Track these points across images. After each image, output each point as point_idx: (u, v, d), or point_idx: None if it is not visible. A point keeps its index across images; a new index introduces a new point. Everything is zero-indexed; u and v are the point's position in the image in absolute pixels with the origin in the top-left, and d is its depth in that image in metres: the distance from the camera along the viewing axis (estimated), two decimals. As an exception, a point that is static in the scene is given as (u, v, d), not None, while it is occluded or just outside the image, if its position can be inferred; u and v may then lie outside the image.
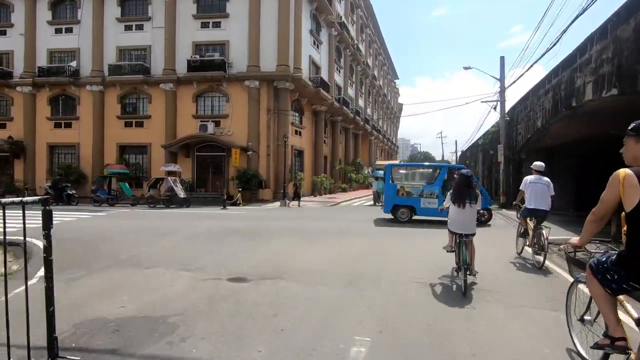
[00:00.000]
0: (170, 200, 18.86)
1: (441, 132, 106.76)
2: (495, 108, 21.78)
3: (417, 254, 7.65)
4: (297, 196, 20.40)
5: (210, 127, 23.04)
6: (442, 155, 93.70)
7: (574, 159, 19.34)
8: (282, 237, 9.26)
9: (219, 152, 23.61)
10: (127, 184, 22.18)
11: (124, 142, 25.06)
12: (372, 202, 22.25)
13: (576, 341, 3.33)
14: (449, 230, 5.71)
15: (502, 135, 21.19)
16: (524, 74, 19.34)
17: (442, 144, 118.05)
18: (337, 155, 34.97)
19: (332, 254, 7.46)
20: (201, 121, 23.48)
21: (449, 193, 5.78)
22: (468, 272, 5.10)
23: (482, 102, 21.50)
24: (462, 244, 5.28)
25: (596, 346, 2.70)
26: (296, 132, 26.89)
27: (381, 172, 29.34)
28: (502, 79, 20.70)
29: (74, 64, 25.01)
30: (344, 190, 34.37)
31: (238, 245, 8.22)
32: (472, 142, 42.05)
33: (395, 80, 77.30)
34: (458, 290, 5.08)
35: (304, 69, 24.60)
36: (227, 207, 18.81)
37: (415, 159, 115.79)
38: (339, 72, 34.83)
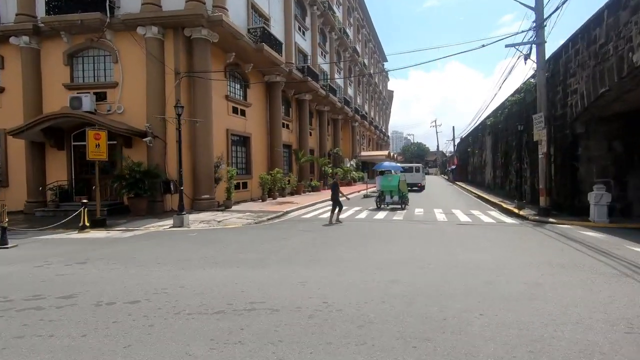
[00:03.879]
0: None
1: (435, 120, 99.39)
2: (526, 58, 13.80)
3: None
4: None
5: (87, 101, 14.82)
6: (437, 146, 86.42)
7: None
8: None
9: (109, 140, 15.35)
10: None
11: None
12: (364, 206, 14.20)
13: None
14: None
15: (541, 98, 13.22)
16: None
17: (437, 132, 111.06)
18: (305, 145, 26.88)
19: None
20: (77, 93, 15.28)
21: None
22: None
23: (506, 46, 13.53)
24: None
25: None
26: (235, 110, 18.75)
27: (388, 165, 21.16)
28: (539, 7, 12.67)
29: None
30: (314, 188, 26.33)
31: None
32: (476, 124, 34.18)
33: (386, 69, 68.99)
34: None
35: (231, 10, 16.38)
36: (87, 230, 10.86)
37: (409, 151, 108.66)
38: (302, 33, 26.64)
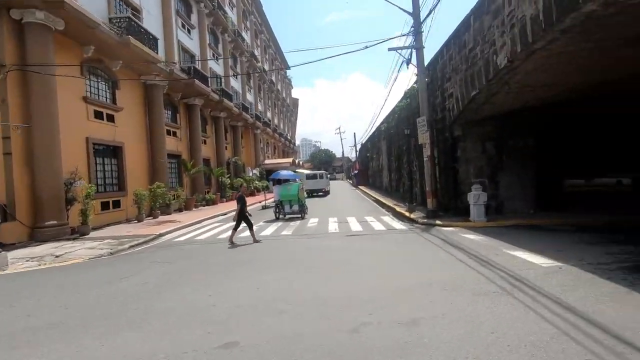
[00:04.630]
0: None
1: (339, 128, 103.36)
2: (408, 62, 13.99)
3: None
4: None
5: None
6: (342, 152, 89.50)
7: (532, 137, 12.46)
8: None
9: None
10: None
11: None
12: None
13: None
14: None
15: (422, 103, 13.42)
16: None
17: (341, 139, 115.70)
18: (198, 154, 24.31)
19: None
20: None
21: None
22: None
23: (389, 49, 13.52)
24: None
25: None
26: (99, 114, 15.63)
27: (285, 173, 19.90)
28: (415, 12, 12.85)
29: None
30: (210, 202, 23.90)
31: None
32: (373, 129, 35.52)
33: (289, 76, 68.81)
34: None
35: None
36: None
37: (317, 158, 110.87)
38: (188, 31, 24.20)
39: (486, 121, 12.32)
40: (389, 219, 13.82)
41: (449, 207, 13.38)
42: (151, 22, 19.00)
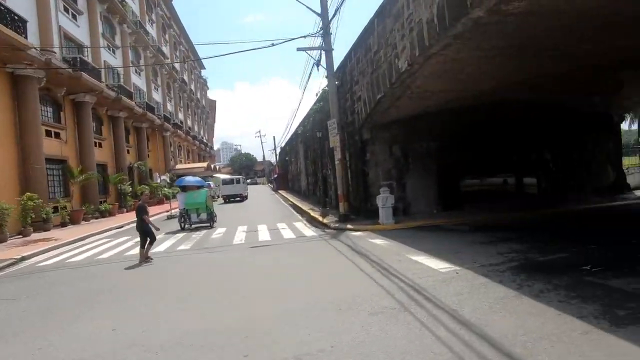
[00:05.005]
0: None
1: (260, 131, 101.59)
2: (317, 64, 13.69)
3: None
4: None
5: None
6: (263, 156, 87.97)
7: (434, 141, 13.00)
8: None
9: None
10: None
11: None
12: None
13: None
14: None
15: (333, 105, 13.21)
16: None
17: (262, 142, 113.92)
18: (89, 158, 21.11)
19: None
20: None
21: None
22: None
23: (298, 49, 13.03)
24: None
25: None
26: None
27: (192, 179, 17.96)
28: (324, 13, 12.58)
29: None
30: (104, 214, 20.91)
31: None
32: (289, 134, 35.13)
33: (204, 76, 65.14)
34: None
35: None
36: None
37: (237, 161, 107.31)
38: (72, 16, 20.98)
39: (393, 125, 12.52)
40: (301, 225, 13.29)
41: (360, 210, 13.34)
42: (18, 1, 15.85)
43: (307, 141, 24.45)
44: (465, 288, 4.78)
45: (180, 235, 12.51)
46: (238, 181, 32.11)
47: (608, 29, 7.14)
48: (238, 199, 30.63)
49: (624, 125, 27.51)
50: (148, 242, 8.49)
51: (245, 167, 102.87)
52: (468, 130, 12.48)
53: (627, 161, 16.73)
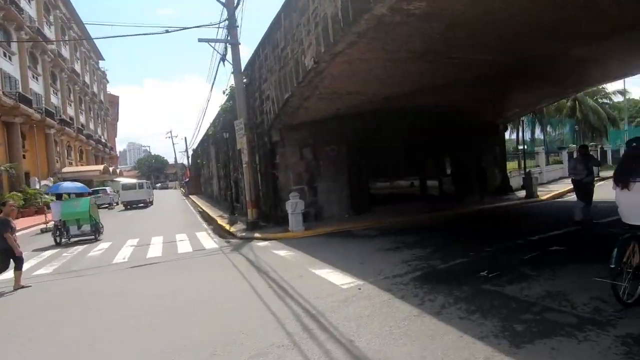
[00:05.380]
0: None
1: (171, 131, 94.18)
2: (223, 59, 12.53)
3: None
4: None
5: None
6: (175, 158, 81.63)
7: (344, 144, 12.79)
8: None
9: None
10: None
11: None
12: None
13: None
14: None
15: (240, 104, 12.20)
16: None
17: (173, 144, 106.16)
18: None
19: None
20: None
21: None
22: None
23: (199, 40, 11.72)
24: None
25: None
26: None
27: (70, 186, 14.93)
28: (229, 2, 11.49)
29: None
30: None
31: None
32: (200, 134, 32.78)
33: (103, 68, 57.80)
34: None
35: None
36: None
37: (145, 164, 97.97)
38: None
39: (303, 126, 11.97)
40: (204, 235, 11.97)
41: (270, 216, 12.52)
42: None
43: (218, 143, 22.85)
44: (366, 309, 4.26)
45: (48, 253, 10.23)
46: (141, 186, 29.66)
47: (501, 40, 7.49)
48: (141, 205, 28.05)
49: (506, 134, 31.45)
50: (16, 266, 6.77)
51: (155, 170, 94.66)
52: (379, 133, 12.55)
53: (509, 165, 18.77)
